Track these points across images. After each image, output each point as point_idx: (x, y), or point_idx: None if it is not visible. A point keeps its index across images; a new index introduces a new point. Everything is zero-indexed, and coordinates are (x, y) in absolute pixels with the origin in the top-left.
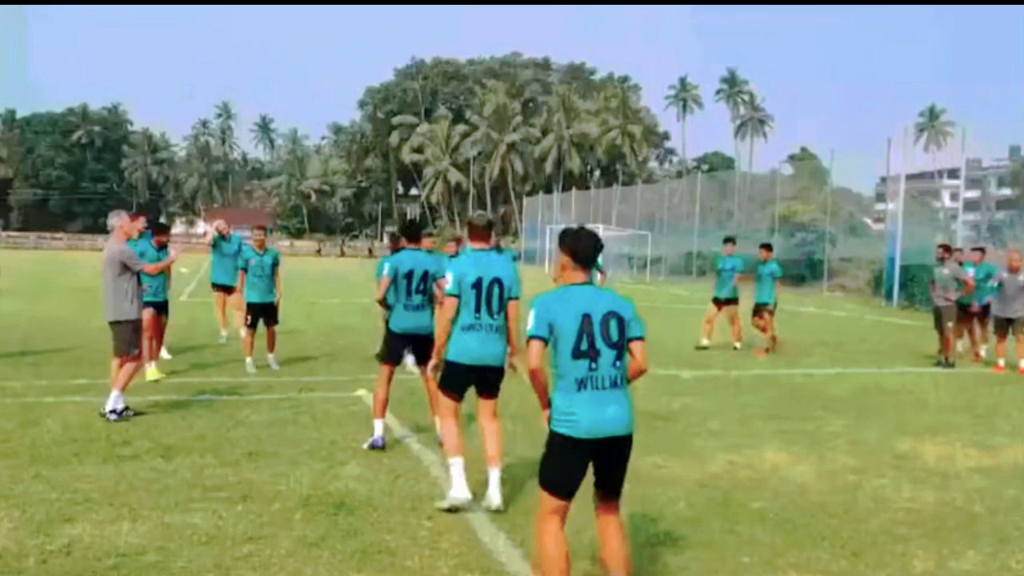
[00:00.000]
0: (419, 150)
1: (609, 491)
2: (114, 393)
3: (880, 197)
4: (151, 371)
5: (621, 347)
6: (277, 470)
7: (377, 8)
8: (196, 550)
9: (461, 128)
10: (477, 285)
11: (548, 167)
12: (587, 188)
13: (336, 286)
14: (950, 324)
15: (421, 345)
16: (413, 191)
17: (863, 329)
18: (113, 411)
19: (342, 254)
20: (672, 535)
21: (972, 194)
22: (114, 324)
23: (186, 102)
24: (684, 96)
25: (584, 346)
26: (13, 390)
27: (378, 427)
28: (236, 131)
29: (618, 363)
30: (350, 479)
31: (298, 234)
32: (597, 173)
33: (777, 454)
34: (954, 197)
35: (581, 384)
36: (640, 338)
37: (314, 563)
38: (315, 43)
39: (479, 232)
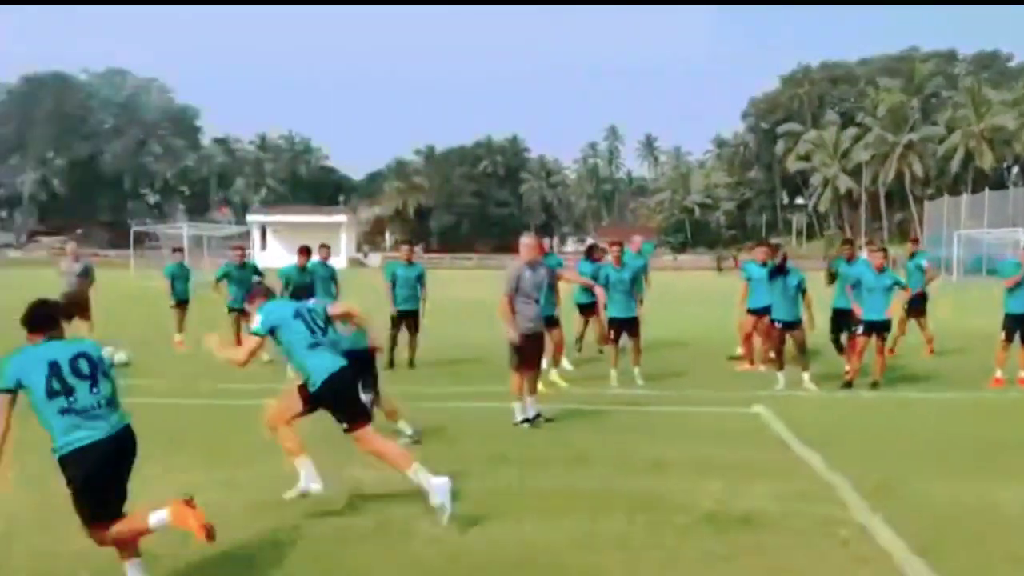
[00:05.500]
0: (805, 158)
1: None
2: (516, 405)
3: None
4: (553, 375)
5: None
6: (683, 484)
7: (758, 16)
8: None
9: (851, 132)
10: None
11: (954, 167)
12: (1003, 188)
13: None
14: None
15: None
16: (799, 200)
17: None
18: (525, 420)
19: (719, 269)
20: None
21: None
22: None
23: (576, 128)
24: None
25: None
26: (438, 396)
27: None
28: (622, 151)
29: None
30: (756, 497)
31: (681, 248)
32: (1015, 170)
33: None
34: None
35: None
36: None
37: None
38: (700, 60)
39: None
